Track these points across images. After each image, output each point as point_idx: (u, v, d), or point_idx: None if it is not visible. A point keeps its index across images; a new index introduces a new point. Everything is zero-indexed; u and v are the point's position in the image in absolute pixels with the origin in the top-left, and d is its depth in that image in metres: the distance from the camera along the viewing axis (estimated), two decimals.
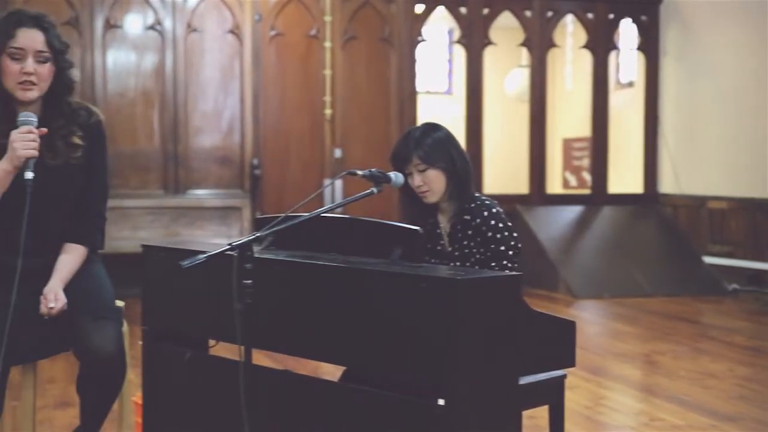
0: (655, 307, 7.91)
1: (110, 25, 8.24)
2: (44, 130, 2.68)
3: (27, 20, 2.68)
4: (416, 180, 2.97)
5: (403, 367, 2.36)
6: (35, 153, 2.62)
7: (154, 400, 3.09)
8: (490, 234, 2.96)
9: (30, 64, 2.65)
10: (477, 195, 3.04)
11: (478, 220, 2.98)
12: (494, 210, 2.99)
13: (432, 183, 2.97)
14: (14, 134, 2.61)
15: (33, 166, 2.61)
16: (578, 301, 8.31)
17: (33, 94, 2.67)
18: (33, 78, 2.66)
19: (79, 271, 2.80)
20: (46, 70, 2.69)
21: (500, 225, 2.97)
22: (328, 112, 8.78)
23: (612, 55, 10.07)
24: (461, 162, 3.00)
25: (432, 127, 3.03)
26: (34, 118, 2.66)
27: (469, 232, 3.00)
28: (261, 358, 2.67)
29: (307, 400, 2.61)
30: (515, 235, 2.98)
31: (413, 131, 3.02)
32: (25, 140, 2.60)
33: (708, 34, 9.28)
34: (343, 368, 2.94)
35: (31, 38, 2.66)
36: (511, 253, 2.96)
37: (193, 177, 8.50)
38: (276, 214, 2.63)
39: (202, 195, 8.50)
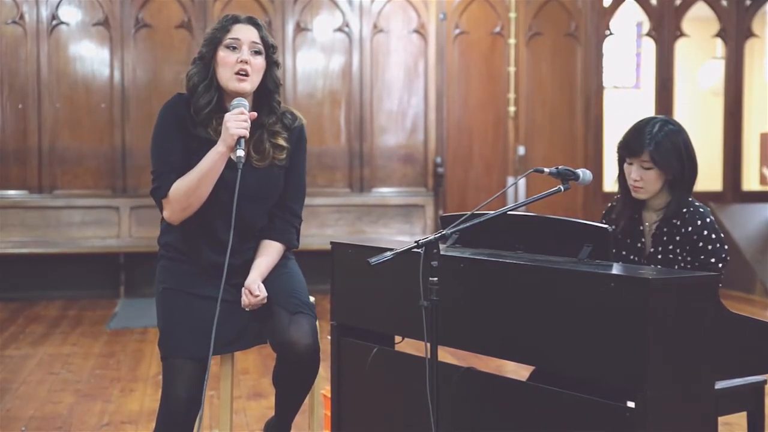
0: None
1: (300, 29, 8.50)
2: (254, 114, 2.82)
3: (242, 19, 2.89)
4: (634, 174, 2.88)
5: (590, 368, 2.31)
6: (246, 132, 2.76)
7: (342, 394, 3.17)
8: (701, 244, 2.84)
9: (245, 52, 2.82)
10: (691, 200, 2.91)
11: (690, 228, 2.85)
12: (708, 219, 2.86)
13: (649, 183, 2.87)
14: (228, 116, 2.78)
15: (243, 145, 2.76)
16: None
17: (246, 85, 2.82)
18: (248, 68, 2.81)
19: (275, 267, 2.91)
20: (260, 62, 2.85)
21: (713, 236, 2.84)
22: (511, 109, 8.72)
23: None
24: (690, 171, 2.88)
25: (672, 128, 2.89)
26: (246, 102, 2.82)
27: (677, 238, 2.88)
28: (443, 355, 2.68)
29: (492, 398, 2.60)
30: (726, 247, 2.84)
31: (651, 125, 2.88)
32: (238, 120, 2.76)
33: None
34: (529, 367, 2.91)
35: (247, 31, 2.85)
36: (720, 266, 2.83)
37: (377, 175, 8.65)
38: (460, 212, 2.63)
39: (386, 193, 8.64)
